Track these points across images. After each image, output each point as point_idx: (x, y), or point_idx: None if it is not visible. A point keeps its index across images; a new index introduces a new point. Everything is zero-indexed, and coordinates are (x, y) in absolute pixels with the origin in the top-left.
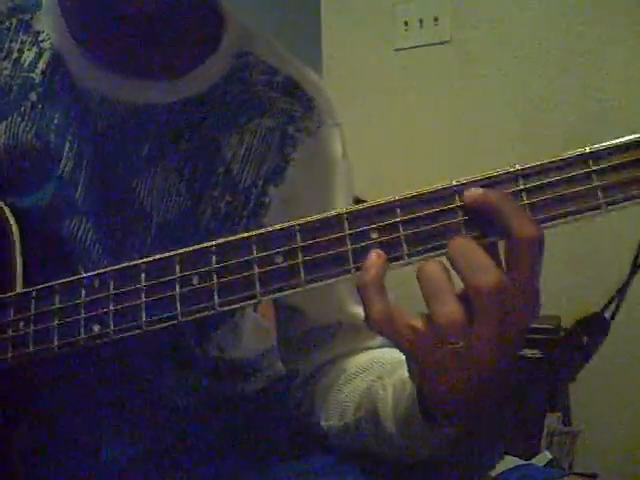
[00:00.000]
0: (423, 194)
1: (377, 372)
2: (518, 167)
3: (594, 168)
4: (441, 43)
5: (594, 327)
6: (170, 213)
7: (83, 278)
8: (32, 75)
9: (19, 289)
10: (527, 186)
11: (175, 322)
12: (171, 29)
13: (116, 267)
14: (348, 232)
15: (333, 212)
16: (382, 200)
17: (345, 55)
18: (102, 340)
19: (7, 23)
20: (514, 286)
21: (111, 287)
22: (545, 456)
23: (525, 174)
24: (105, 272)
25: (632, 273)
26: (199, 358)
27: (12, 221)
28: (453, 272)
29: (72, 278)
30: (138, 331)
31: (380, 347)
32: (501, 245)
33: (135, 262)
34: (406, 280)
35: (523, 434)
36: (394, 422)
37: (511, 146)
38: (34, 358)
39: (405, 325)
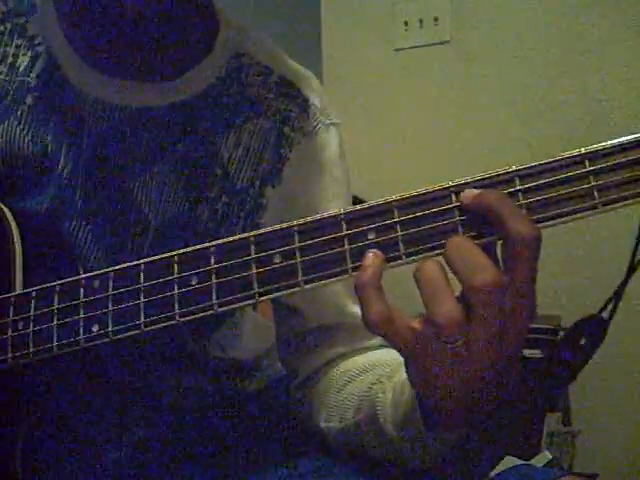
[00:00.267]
0: (420, 195)
1: (377, 374)
2: (515, 167)
3: (590, 168)
4: (441, 43)
5: (592, 328)
6: (168, 215)
7: (82, 279)
8: (28, 79)
9: (19, 290)
10: (524, 186)
11: (174, 322)
12: (166, 31)
13: (115, 268)
14: (346, 232)
15: (331, 213)
16: (379, 201)
17: (345, 55)
18: (101, 340)
19: (2, 27)
20: (511, 285)
21: (110, 287)
22: (545, 456)
23: (522, 174)
24: (104, 273)
25: (628, 274)
26: (199, 358)
27: (12, 222)
28: (451, 275)
29: (72, 279)
30: (137, 331)
31: (379, 347)
32: (500, 245)
33: (134, 263)
34: (403, 280)
35: (523, 434)
36: (394, 426)
37: (511, 146)
38: (34, 359)
39: (403, 325)
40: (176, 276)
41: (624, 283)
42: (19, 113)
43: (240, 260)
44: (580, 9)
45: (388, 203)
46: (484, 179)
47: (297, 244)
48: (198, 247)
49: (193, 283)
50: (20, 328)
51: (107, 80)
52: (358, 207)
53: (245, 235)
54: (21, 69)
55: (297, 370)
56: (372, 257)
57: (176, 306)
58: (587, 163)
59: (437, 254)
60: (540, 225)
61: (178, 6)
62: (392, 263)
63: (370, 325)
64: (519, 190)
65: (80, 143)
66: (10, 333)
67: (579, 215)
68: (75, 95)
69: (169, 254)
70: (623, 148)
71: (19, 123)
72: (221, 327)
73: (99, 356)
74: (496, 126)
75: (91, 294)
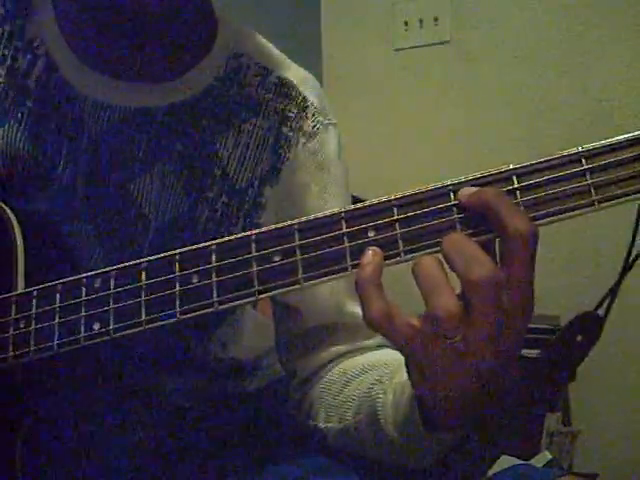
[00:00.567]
0: (419, 193)
1: (377, 374)
2: (512, 166)
3: (587, 166)
4: (441, 43)
5: (588, 325)
6: (167, 215)
7: (84, 277)
8: (27, 82)
9: (21, 289)
10: (521, 184)
11: (175, 320)
12: (164, 32)
13: (117, 266)
14: (345, 231)
15: (331, 211)
16: (379, 199)
17: (345, 55)
18: (102, 339)
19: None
20: (509, 282)
21: (111, 286)
22: (545, 456)
23: (519, 173)
24: (106, 271)
25: (623, 272)
26: (200, 357)
27: (15, 222)
28: (452, 275)
29: (73, 277)
30: (138, 329)
31: (378, 347)
32: (498, 243)
33: (136, 261)
34: (402, 278)
35: (523, 434)
36: (394, 426)
37: (511, 146)
38: (35, 357)
39: (403, 323)
40: (177, 274)
41: (619, 281)
42: (19, 115)
43: (241, 258)
44: (580, 9)
45: (387, 201)
46: (482, 177)
47: (297, 242)
48: (200, 245)
49: (194, 281)
50: (22, 326)
51: (106, 81)
52: (357, 206)
53: (246, 233)
54: (20, 72)
55: (296, 370)
56: (371, 254)
57: (177, 304)
58: (584, 161)
59: (436, 251)
60: (538, 223)
61: (177, 7)
62: (391, 261)
63: (370, 322)
64: (516, 188)
65: (80, 144)
66: (12, 332)
67: (576, 212)
68: (74, 96)
69: (171, 252)
70: (620, 146)
71: (19, 125)
72: (222, 325)
73: (99, 356)
74: (496, 126)
75: (92, 292)
